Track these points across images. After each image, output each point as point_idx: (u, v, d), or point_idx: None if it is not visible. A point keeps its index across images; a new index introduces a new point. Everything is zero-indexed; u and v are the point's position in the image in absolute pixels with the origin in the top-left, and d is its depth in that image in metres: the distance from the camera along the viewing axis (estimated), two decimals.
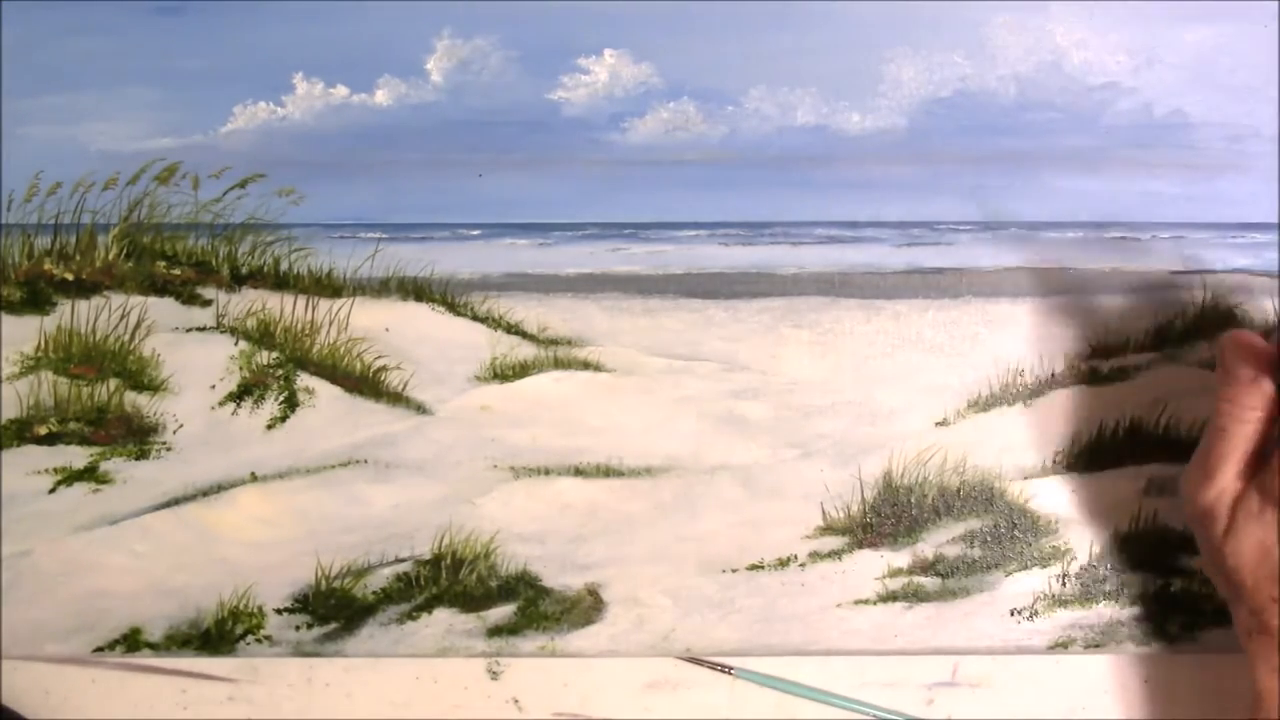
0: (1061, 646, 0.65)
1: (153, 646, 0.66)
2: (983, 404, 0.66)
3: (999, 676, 0.65)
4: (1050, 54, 0.65)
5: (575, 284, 0.66)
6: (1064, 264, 0.66)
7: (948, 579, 0.66)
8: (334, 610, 0.66)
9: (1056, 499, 0.66)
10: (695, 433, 0.66)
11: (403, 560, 0.66)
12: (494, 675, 0.65)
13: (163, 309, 0.66)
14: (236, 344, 0.66)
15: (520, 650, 0.65)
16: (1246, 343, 0.50)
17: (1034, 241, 0.66)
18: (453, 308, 0.66)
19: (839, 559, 0.66)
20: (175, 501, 0.66)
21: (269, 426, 0.66)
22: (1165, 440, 0.66)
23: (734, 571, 0.66)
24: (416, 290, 0.66)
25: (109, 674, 0.66)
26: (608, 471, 0.66)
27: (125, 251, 0.66)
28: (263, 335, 0.66)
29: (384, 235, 0.66)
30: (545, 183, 0.65)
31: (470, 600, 0.65)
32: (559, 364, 0.66)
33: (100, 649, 0.66)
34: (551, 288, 0.66)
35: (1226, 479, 0.51)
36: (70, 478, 0.66)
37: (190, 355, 0.66)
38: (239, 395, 0.66)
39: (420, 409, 0.66)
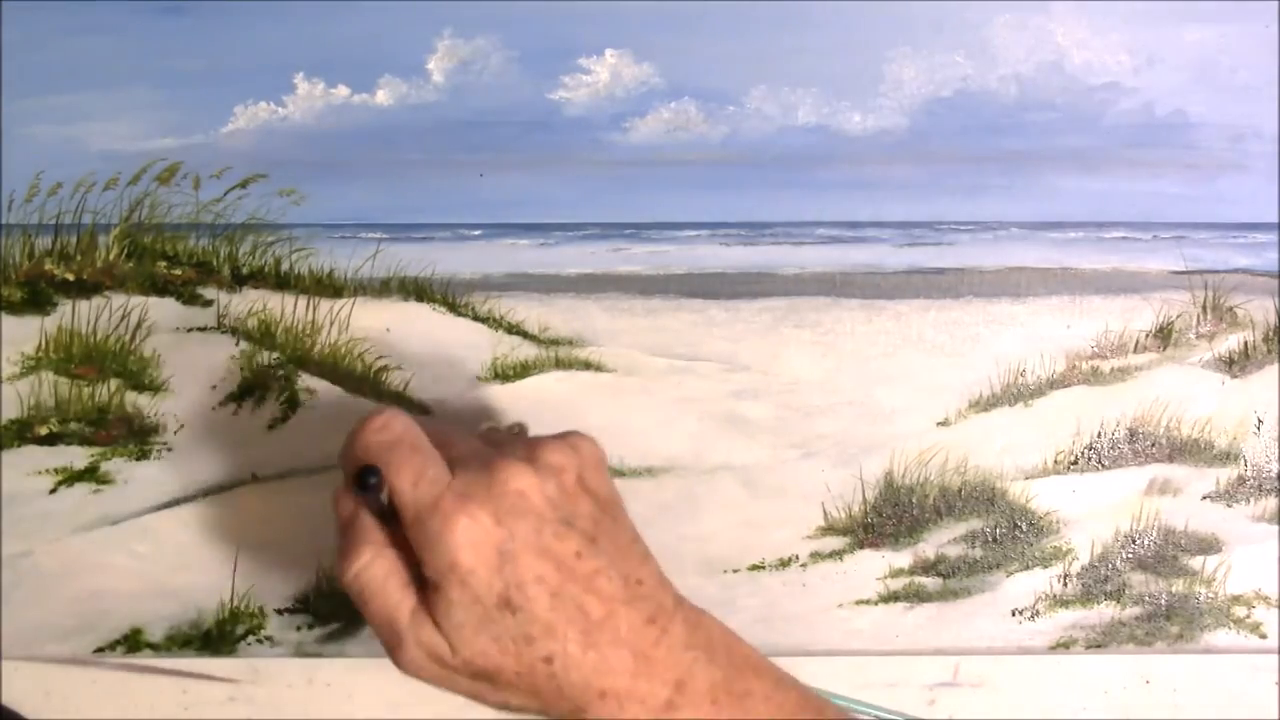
0: (1063, 647, 0.65)
1: (153, 647, 0.66)
2: (984, 404, 0.66)
3: (1000, 677, 0.65)
4: (1051, 54, 0.65)
5: (576, 284, 0.66)
6: (1064, 264, 0.66)
7: (949, 579, 0.66)
8: (335, 610, 0.66)
9: (1058, 499, 0.66)
10: (696, 433, 0.66)
11: None
12: None
13: (163, 309, 0.66)
14: (237, 344, 0.66)
15: None
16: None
17: (1034, 241, 0.66)
18: (454, 308, 0.66)
19: (840, 559, 0.66)
20: (176, 502, 0.66)
21: (270, 427, 0.66)
22: (1166, 440, 0.66)
23: (735, 571, 0.66)
24: (418, 290, 0.66)
25: (110, 674, 0.66)
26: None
27: (126, 252, 0.66)
28: (264, 335, 0.66)
29: (385, 235, 0.66)
30: (546, 183, 0.65)
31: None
32: (560, 364, 0.66)
33: (101, 649, 0.66)
34: (553, 288, 0.66)
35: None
36: (71, 478, 0.65)
37: (191, 355, 0.66)
38: (240, 395, 0.66)
39: (421, 410, 0.66)
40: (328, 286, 0.66)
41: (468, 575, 0.44)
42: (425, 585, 0.45)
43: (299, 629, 0.66)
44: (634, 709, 0.45)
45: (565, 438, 0.49)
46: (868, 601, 0.66)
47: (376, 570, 0.46)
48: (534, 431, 0.66)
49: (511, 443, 0.49)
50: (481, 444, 0.49)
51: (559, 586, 0.44)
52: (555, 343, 0.66)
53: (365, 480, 0.45)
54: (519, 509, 0.45)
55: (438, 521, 0.44)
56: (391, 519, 0.47)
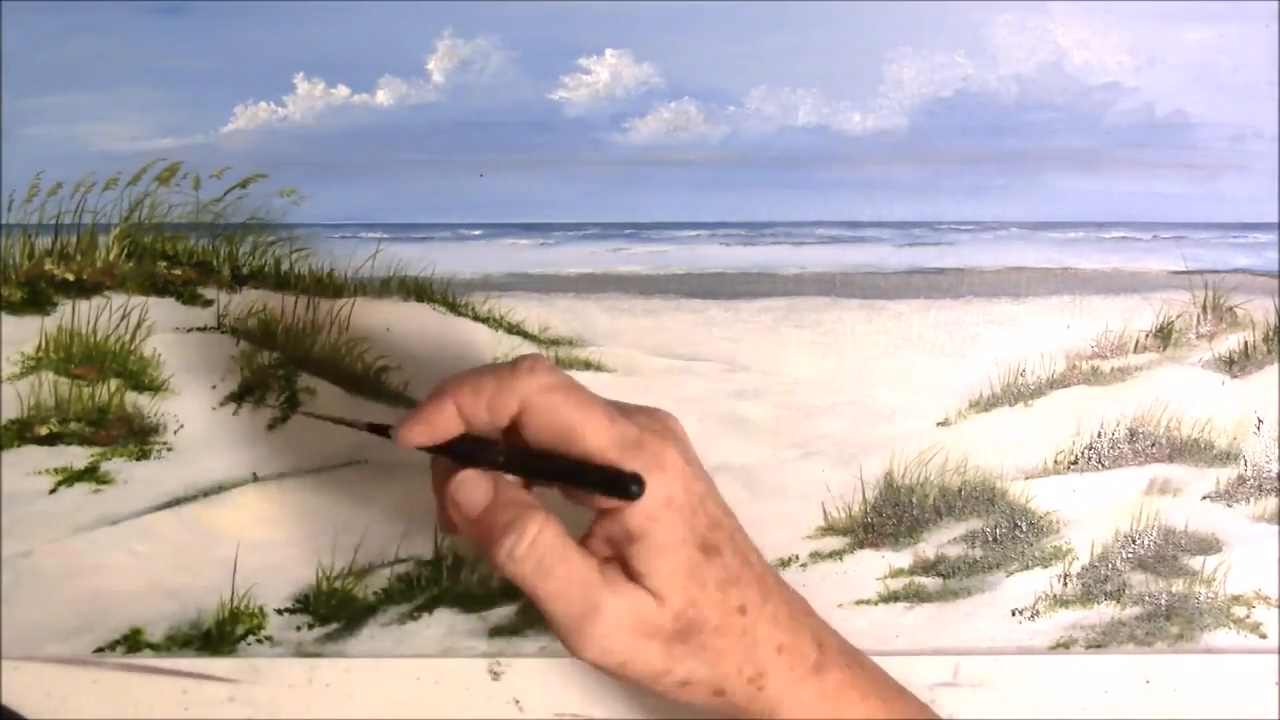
0: (1063, 647, 0.65)
1: (153, 647, 0.66)
2: (984, 404, 0.66)
3: (1000, 677, 0.65)
4: (1052, 54, 0.65)
5: (576, 284, 0.66)
6: (1064, 264, 0.66)
7: (949, 579, 0.66)
8: (335, 610, 0.66)
9: (1058, 499, 0.66)
10: (696, 433, 0.66)
11: (403, 560, 0.66)
12: (495, 676, 0.65)
13: (163, 309, 0.66)
14: (237, 344, 0.66)
15: (522, 650, 0.65)
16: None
17: (1034, 241, 0.66)
18: (454, 308, 0.66)
19: (840, 559, 0.66)
20: (176, 502, 0.66)
21: (270, 426, 0.66)
22: (1166, 440, 0.66)
23: None
24: (417, 290, 0.66)
25: (109, 674, 0.66)
26: None
27: (126, 252, 0.66)
28: (263, 335, 0.66)
29: (385, 235, 0.66)
30: (546, 183, 0.65)
31: (471, 600, 0.65)
32: (560, 364, 0.66)
33: (101, 649, 0.66)
34: (553, 288, 0.66)
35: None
36: (71, 478, 0.65)
37: (191, 355, 0.66)
38: (240, 395, 0.66)
39: None
40: (328, 286, 0.66)
41: (679, 514, 0.41)
42: (618, 537, 0.42)
43: (299, 629, 0.66)
44: (799, 667, 0.44)
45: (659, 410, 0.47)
46: (868, 601, 0.66)
47: (552, 536, 0.41)
48: None
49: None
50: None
51: (733, 534, 0.43)
52: (555, 343, 0.66)
53: (491, 458, 0.42)
54: (691, 455, 0.44)
55: (647, 458, 0.41)
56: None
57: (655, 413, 0.45)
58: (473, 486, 0.43)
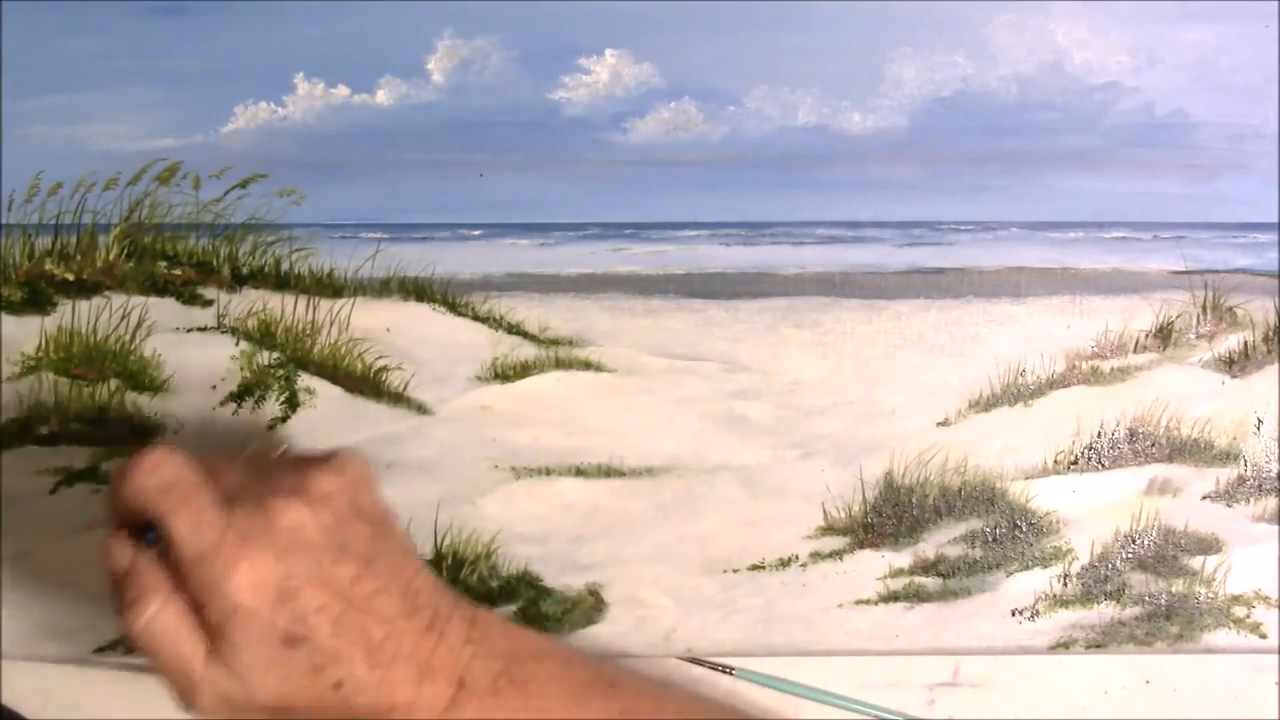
0: (1063, 647, 0.65)
1: None
2: (984, 404, 0.66)
3: (1000, 677, 0.65)
4: (1051, 54, 0.65)
5: (576, 284, 0.66)
6: (1064, 264, 0.66)
7: (949, 579, 0.66)
8: None
9: (1058, 499, 0.66)
10: (696, 433, 0.66)
11: None
12: None
13: (163, 309, 0.66)
14: (237, 344, 0.66)
15: None
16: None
17: (1034, 241, 0.66)
18: (454, 308, 0.66)
19: (840, 559, 0.66)
20: None
21: (270, 427, 0.66)
22: (1166, 440, 0.66)
23: (735, 571, 0.66)
24: (417, 290, 0.66)
25: (109, 674, 0.65)
26: (609, 472, 0.66)
27: (126, 252, 0.66)
28: (264, 335, 0.66)
29: (385, 235, 0.66)
30: (546, 183, 0.65)
31: (470, 600, 0.65)
32: (560, 364, 0.66)
33: (101, 649, 0.66)
34: (552, 288, 0.66)
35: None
36: (71, 478, 0.65)
37: (191, 355, 0.66)
38: (240, 395, 0.66)
39: (421, 409, 0.66)
40: (328, 286, 0.66)
41: (250, 617, 0.44)
42: (208, 629, 0.45)
43: None
44: (420, 713, 0.46)
45: (332, 461, 0.49)
46: (868, 601, 0.66)
47: (167, 618, 0.45)
48: (535, 431, 0.66)
49: (280, 471, 0.48)
50: (250, 473, 0.49)
51: (340, 614, 0.45)
52: (555, 343, 0.66)
53: (146, 539, 0.46)
54: (296, 544, 0.45)
55: (220, 567, 0.44)
56: (166, 560, 0.46)
57: (269, 503, 0.46)
58: (115, 553, 0.47)
